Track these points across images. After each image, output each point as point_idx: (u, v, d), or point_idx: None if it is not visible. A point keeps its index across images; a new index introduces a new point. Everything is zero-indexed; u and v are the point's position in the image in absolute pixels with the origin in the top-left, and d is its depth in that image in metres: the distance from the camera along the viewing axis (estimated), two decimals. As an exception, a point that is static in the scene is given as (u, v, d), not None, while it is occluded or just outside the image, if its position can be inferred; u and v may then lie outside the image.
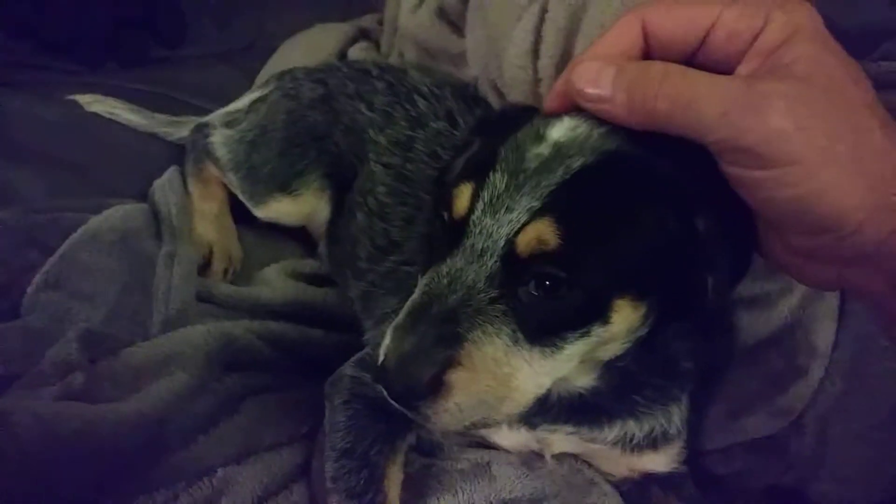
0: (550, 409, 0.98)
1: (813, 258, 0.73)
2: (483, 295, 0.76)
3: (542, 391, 0.81)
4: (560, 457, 1.07)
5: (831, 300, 1.11)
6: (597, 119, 0.79)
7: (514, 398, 0.78)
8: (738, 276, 0.82)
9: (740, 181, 0.70)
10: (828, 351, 1.12)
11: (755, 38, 0.70)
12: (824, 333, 1.12)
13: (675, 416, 1.02)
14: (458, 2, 1.60)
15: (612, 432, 1.00)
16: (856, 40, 1.18)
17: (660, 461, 1.05)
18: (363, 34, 2.11)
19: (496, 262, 0.76)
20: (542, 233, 0.73)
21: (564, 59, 1.24)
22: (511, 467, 1.05)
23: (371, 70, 1.51)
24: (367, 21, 2.18)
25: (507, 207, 0.75)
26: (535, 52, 1.29)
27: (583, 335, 0.77)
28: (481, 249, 0.76)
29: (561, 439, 1.03)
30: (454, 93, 1.44)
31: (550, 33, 1.25)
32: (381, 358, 0.77)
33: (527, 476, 1.04)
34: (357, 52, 2.00)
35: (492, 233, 0.76)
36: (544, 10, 1.29)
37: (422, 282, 0.80)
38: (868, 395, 1.11)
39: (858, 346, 1.11)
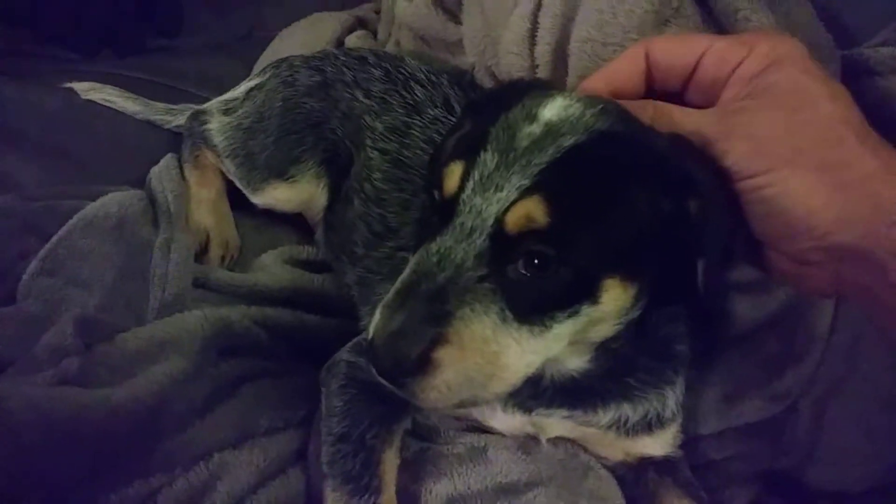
0: (544, 392, 0.98)
1: (808, 263, 0.78)
2: (471, 273, 0.76)
3: (532, 370, 0.81)
4: (556, 441, 1.08)
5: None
6: (589, 99, 0.79)
7: (502, 377, 0.78)
8: (729, 259, 0.82)
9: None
10: (824, 335, 1.12)
11: (739, 64, 0.80)
12: (821, 318, 1.12)
13: (670, 399, 1.02)
14: (455, -10, 1.60)
15: (607, 416, 1.00)
16: (854, 30, 1.19)
17: (655, 445, 1.05)
18: (360, 23, 2.10)
19: (485, 240, 0.76)
20: (531, 210, 0.73)
21: (561, 45, 1.24)
22: (507, 452, 1.05)
23: (368, 57, 1.50)
24: (364, 10, 2.18)
25: (497, 186, 0.75)
26: (532, 39, 1.29)
27: (572, 314, 0.77)
28: (471, 228, 0.76)
29: (556, 423, 1.03)
30: (451, 80, 1.44)
31: (547, 20, 1.25)
32: (370, 335, 0.77)
33: (523, 460, 1.04)
34: (354, 40, 1.99)
35: (481, 211, 0.76)
36: (541, -3, 1.29)
37: (412, 260, 0.80)
38: (864, 381, 1.11)
39: (855, 331, 1.11)
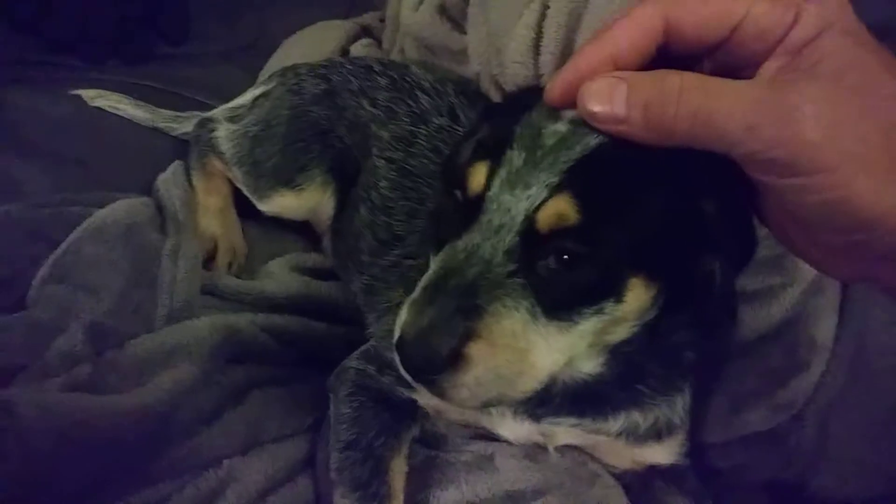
0: (554, 399, 0.97)
1: (842, 255, 0.69)
2: (501, 268, 0.74)
3: (556, 369, 0.80)
4: (563, 449, 1.08)
5: (832, 294, 1.11)
6: None
7: (531, 374, 0.77)
8: (744, 260, 0.82)
9: (767, 188, 0.68)
10: (829, 345, 1.12)
11: (786, 34, 0.65)
12: (825, 327, 1.12)
13: (679, 406, 1.02)
14: (460, -1, 1.61)
15: (617, 423, 1.00)
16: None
17: (663, 453, 1.05)
18: (365, 31, 2.11)
19: (514, 237, 0.75)
20: (563, 209, 0.73)
21: (565, 54, 1.25)
22: (514, 459, 1.05)
23: (373, 66, 1.51)
24: (369, 18, 2.19)
25: (525, 183, 0.74)
26: (536, 48, 1.30)
27: (597, 311, 0.77)
28: (498, 225, 0.75)
29: (564, 431, 1.03)
30: (456, 89, 1.44)
31: (551, 29, 1.26)
32: (397, 334, 0.75)
33: (530, 468, 1.04)
34: (359, 49, 2.00)
35: (510, 208, 0.75)
36: (545, 7, 1.30)
37: (436, 259, 0.80)
38: (869, 390, 1.11)
39: (859, 341, 1.11)
